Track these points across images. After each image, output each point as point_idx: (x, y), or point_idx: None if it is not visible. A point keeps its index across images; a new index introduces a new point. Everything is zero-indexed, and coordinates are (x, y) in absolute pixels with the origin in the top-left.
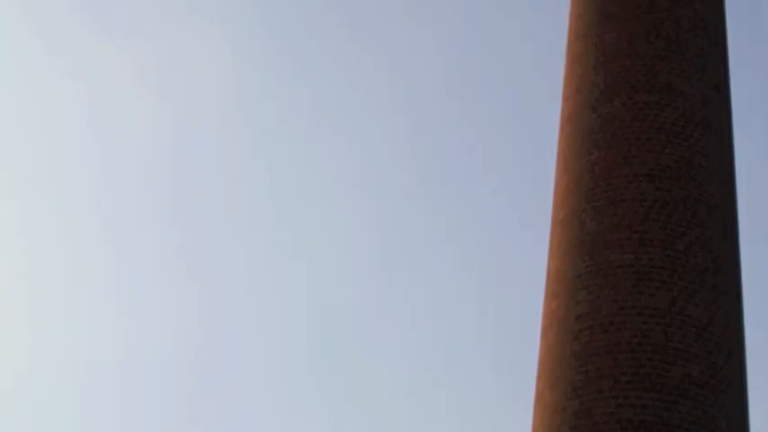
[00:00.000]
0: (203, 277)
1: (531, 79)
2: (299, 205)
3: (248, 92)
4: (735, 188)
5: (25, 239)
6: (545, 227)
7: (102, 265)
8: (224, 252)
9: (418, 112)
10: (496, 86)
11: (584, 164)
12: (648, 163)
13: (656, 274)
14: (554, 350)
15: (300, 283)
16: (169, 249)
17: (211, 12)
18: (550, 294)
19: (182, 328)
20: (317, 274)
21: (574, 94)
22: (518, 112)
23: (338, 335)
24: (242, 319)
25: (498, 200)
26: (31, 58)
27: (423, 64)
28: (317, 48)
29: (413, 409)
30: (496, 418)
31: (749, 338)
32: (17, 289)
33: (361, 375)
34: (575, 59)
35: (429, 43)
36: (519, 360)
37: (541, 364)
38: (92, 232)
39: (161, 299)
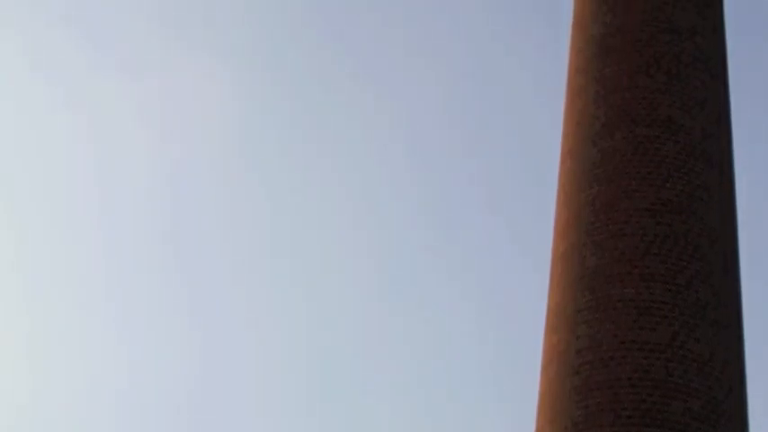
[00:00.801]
0: (202, 311)
1: (531, 113)
2: (299, 240)
3: (248, 127)
4: (736, 221)
5: (25, 273)
6: (545, 261)
7: (101, 298)
8: (224, 285)
9: (418, 145)
10: (497, 120)
11: (584, 198)
12: (649, 197)
13: (656, 309)
14: (554, 385)
15: (300, 319)
16: (169, 281)
17: (212, 47)
18: (551, 329)
19: (182, 362)
20: (316, 310)
21: (574, 128)
22: (519, 146)
23: (338, 370)
24: (242, 354)
25: (498, 234)
26: (30, 91)
27: (423, 98)
28: (316, 82)
29: None
30: None
31: (749, 373)
32: (16, 324)
33: (360, 408)
34: (575, 93)
35: (429, 78)
36: (519, 395)
37: (542, 398)
38: (92, 266)
39: (161, 332)
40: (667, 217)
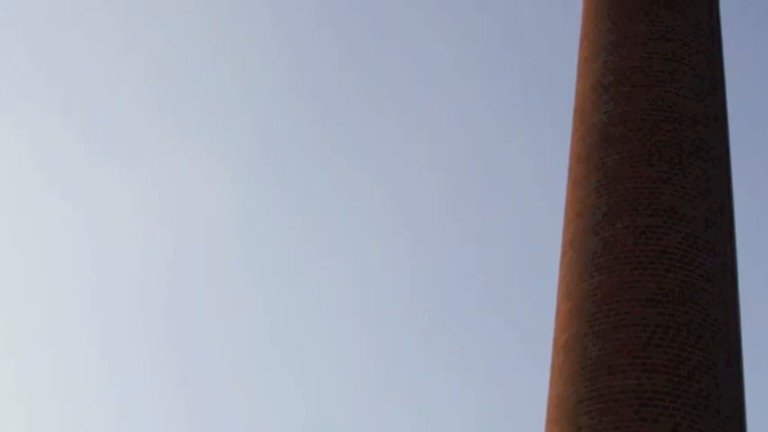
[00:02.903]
0: (200, 402)
1: (531, 202)
2: (296, 331)
3: (246, 215)
4: (738, 312)
5: (20, 362)
6: (546, 352)
7: (96, 387)
8: (221, 376)
9: (417, 235)
10: (497, 209)
11: (585, 288)
12: (651, 287)
13: (658, 400)
14: None
15: (298, 413)
16: (166, 370)
17: (210, 135)
18: (551, 421)
19: None
20: (315, 403)
21: (575, 218)
22: (519, 236)
23: None
24: None
25: (499, 325)
26: (27, 180)
27: (423, 187)
28: (315, 170)
29: None
30: None
31: None
32: (12, 418)
33: None
34: (576, 182)
35: (429, 166)
36: None
37: None
38: (88, 357)
39: (158, 419)
40: (669, 307)
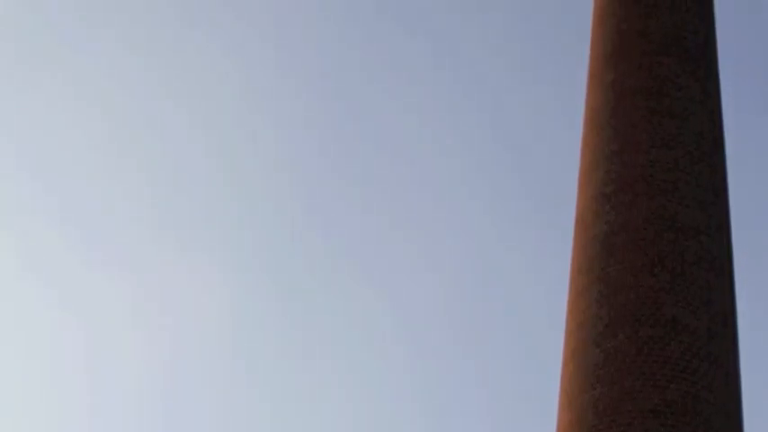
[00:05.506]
0: None
1: (532, 313)
2: None
3: (245, 328)
4: (742, 422)
5: None
6: None
7: None
8: None
9: (417, 346)
10: (498, 321)
11: (587, 399)
12: (653, 399)
13: None
14: None
15: None
16: None
17: (209, 247)
18: None
19: None
20: None
21: (576, 329)
22: (520, 347)
23: None
24: None
25: None
26: (24, 289)
27: (423, 297)
28: (313, 280)
29: None
30: None
31: None
32: None
33: None
34: (577, 293)
35: (428, 274)
36: None
37: None
38: None
39: None
40: (672, 419)
